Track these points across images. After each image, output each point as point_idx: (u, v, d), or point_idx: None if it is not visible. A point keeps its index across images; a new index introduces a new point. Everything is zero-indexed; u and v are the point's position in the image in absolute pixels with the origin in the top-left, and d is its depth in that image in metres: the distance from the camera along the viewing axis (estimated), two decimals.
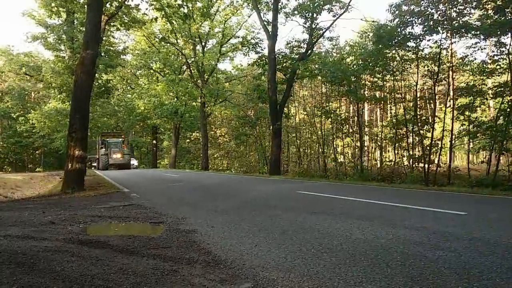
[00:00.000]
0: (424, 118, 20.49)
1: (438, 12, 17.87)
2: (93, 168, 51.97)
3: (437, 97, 20.47)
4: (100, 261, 3.53)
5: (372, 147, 29.92)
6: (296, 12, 24.53)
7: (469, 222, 5.31)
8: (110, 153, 35.53)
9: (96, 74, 20.28)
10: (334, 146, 27.26)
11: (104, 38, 20.52)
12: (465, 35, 17.28)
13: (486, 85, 18.01)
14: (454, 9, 17.43)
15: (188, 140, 50.77)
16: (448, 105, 19.74)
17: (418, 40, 18.59)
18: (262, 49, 28.55)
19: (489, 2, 16.11)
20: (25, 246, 4.04)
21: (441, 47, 18.46)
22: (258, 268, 3.30)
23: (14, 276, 3.09)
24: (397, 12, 18.31)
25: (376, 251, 3.78)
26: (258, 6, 24.84)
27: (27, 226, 5.36)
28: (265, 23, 24.36)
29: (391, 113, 27.03)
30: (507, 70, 16.39)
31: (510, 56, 16.15)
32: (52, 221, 5.73)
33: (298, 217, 5.89)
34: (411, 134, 20.38)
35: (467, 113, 17.31)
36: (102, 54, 22.03)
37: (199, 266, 3.40)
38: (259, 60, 26.94)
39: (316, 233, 4.72)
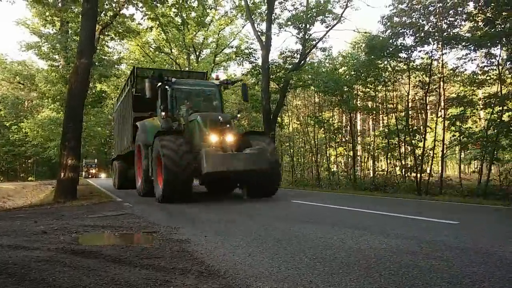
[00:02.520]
0: (416, 128, 20.67)
1: (429, 24, 18.16)
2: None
3: (428, 107, 20.70)
4: (93, 271, 3.51)
5: (364, 157, 30.03)
6: (289, 23, 24.79)
7: (461, 232, 5.35)
8: (200, 133, 10.42)
9: (90, 83, 20.27)
10: (327, 155, 27.34)
11: (98, 48, 20.54)
12: (456, 46, 17.55)
13: (477, 96, 18.25)
14: (445, 21, 17.72)
15: None
16: (439, 115, 19.94)
17: (410, 51, 18.83)
18: (255, 59, 28.72)
19: (479, 15, 16.41)
20: (16, 256, 4.01)
21: (432, 58, 18.71)
22: (251, 278, 3.30)
23: (5, 286, 3.06)
24: (388, 23, 18.57)
25: (369, 261, 3.80)
26: (252, 16, 25.05)
27: (19, 236, 5.31)
28: (259, 33, 24.55)
29: (383, 123, 27.22)
30: (497, 81, 16.62)
31: (500, 67, 16.41)
32: (44, 231, 5.68)
33: (292, 227, 5.90)
34: (403, 144, 20.53)
35: (458, 123, 17.50)
36: (96, 63, 22.04)
37: (192, 276, 3.39)
38: (252, 70, 27.08)
39: (309, 242, 4.73)
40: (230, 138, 10.13)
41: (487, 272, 3.40)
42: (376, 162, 27.74)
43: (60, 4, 17.77)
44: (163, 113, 11.49)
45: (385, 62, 20.18)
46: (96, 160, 56.84)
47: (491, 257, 3.89)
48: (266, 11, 24.53)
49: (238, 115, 14.25)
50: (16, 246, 4.58)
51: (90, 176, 49.89)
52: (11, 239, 5.07)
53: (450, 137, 18.75)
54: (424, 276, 3.29)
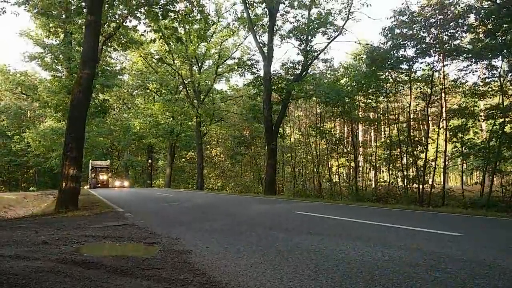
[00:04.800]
0: (418, 139, 20.68)
1: (430, 36, 18.28)
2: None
3: (430, 118, 20.74)
4: (93, 282, 3.49)
5: (366, 168, 29.99)
6: (291, 34, 25.00)
7: (464, 243, 5.32)
8: None
9: (93, 94, 20.37)
10: (329, 166, 27.32)
11: (101, 58, 20.69)
12: (457, 58, 17.64)
13: (478, 107, 18.28)
14: (446, 32, 17.84)
15: (183, 160, 50.69)
16: (441, 127, 19.95)
17: (411, 62, 18.94)
18: (257, 70, 28.90)
19: (480, 26, 16.51)
20: (17, 267, 3.99)
21: (434, 69, 18.80)
22: None
23: None
24: (390, 35, 18.70)
25: (372, 273, 3.77)
26: (254, 28, 25.26)
27: (20, 246, 5.29)
28: (261, 45, 24.74)
29: (385, 134, 27.25)
30: (499, 92, 16.66)
31: (501, 79, 16.45)
32: (45, 241, 5.66)
33: (294, 238, 5.87)
34: (405, 155, 20.52)
35: (459, 134, 17.49)
36: (99, 74, 22.17)
37: None
38: (254, 81, 27.23)
39: (311, 254, 4.70)
40: None
41: (490, 284, 3.37)
42: (377, 173, 27.70)
43: (64, 16, 17.95)
44: None
45: (387, 73, 20.27)
46: (109, 161, 42.77)
47: (494, 269, 3.86)
48: (268, 23, 24.75)
49: None
50: (17, 256, 4.56)
51: (98, 185, 36.07)
52: (12, 249, 5.05)
53: (452, 148, 18.73)
54: None
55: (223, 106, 39.15)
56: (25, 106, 48.11)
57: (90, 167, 38.43)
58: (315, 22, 23.89)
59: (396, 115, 22.54)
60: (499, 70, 16.56)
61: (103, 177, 37.60)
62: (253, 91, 28.93)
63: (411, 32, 18.32)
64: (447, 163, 19.02)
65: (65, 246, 5.37)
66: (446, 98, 20.50)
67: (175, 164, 45.33)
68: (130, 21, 16.78)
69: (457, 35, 17.81)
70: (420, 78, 19.58)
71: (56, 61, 24.83)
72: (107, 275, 3.77)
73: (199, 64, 36.61)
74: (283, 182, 34.28)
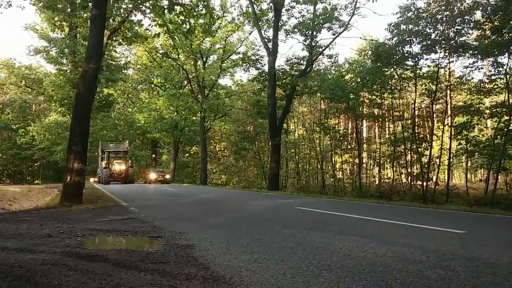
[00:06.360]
0: (422, 136, 20.58)
1: (436, 32, 18.15)
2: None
3: (435, 115, 20.63)
4: (98, 276, 3.51)
5: (370, 164, 29.92)
6: (296, 29, 24.87)
7: (468, 241, 5.30)
8: None
9: (98, 88, 20.40)
10: (333, 162, 27.28)
11: (106, 53, 20.69)
12: (463, 54, 17.51)
13: (484, 104, 18.15)
14: (452, 29, 17.69)
15: (187, 154, 50.76)
16: (445, 124, 19.84)
17: (416, 59, 18.81)
18: (262, 65, 28.78)
19: (487, 23, 16.37)
20: (22, 259, 4.02)
21: (439, 66, 18.67)
22: (256, 285, 3.28)
23: None
24: (395, 31, 18.57)
25: (375, 269, 3.77)
26: (259, 23, 25.17)
27: (25, 239, 5.33)
28: (266, 40, 24.65)
29: (389, 130, 27.14)
30: (505, 89, 16.53)
31: (507, 76, 16.32)
32: (49, 234, 5.70)
33: (297, 233, 5.87)
34: (409, 152, 20.44)
35: (464, 132, 17.40)
36: (104, 68, 22.19)
37: (197, 282, 3.37)
38: (259, 76, 27.13)
39: (315, 249, 4.70)
40: None
41: (494, 282, 3.36)
42: (381, 169, 27.62)
43: (69, 10, 17.96)
44: None
45: (392, 70, 20.15)
46: (127, 143, 35.28)
47: (499, 267, 3.85)
48: (273, 18, 24.64)
49: None
50: (22, 249, 4.59)
51: (114, 180, 27.76)
52: (17, 242, 5.09)
53: (457, 146, 18.63)
54: (431, 286, 3.26)
55: (228, 101, 39.12)
56: (30, 99, 48.26)
57: (100, 153, 29.84)
58: (320, 18, 23.75)
59: (401, 112, 22.43)
60: (505, 67, 16.43)
61: (120, 166, 28.61)
62: (257, 86, 28.85)
63: (417, 28, 18.18)
64: (451, 160, 18.93)
65: (70, 239, 5.41)
66: (451, 95, 20.39)
67: (179, 158, 45.44)
68: (135, 15, 16.76)
69: (463, 31, 17.66)
70: (426, 75, 19.45)
71: (61, 55, 24.88)
72: (111, 268, 3.79)
73: (204, 59, 36.57)
74: (287, 178, 34.28)
